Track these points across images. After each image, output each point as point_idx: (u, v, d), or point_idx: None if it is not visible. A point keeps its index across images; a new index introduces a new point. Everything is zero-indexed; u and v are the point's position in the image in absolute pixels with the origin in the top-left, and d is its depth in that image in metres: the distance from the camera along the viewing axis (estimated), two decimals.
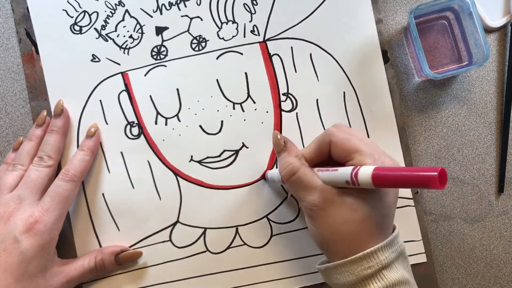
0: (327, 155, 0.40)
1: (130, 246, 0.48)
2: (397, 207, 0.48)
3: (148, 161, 0.48)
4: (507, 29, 0.50)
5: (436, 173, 0.28)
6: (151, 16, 0.49)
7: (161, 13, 0.49)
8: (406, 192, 0.48)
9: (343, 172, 0.36)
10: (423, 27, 0.50)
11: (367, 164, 0.36)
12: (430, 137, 0.50)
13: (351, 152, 0.37)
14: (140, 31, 0.49)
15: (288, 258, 0.48)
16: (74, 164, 0.45)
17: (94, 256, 0.45)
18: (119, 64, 0.48)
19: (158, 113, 0.48)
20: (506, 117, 0.50)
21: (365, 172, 0.34)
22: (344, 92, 0.49)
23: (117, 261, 0.46)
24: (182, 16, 0.49)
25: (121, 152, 0.48)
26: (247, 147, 0.48)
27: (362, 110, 0.49)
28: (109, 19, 0.49)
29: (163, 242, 0.48)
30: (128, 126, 0.48)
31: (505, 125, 0.50)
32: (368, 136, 0.49)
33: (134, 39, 0.49)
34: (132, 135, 0.48)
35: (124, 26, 0.49)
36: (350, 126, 0.49)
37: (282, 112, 0.49)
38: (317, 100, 0.49)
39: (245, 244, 0.48)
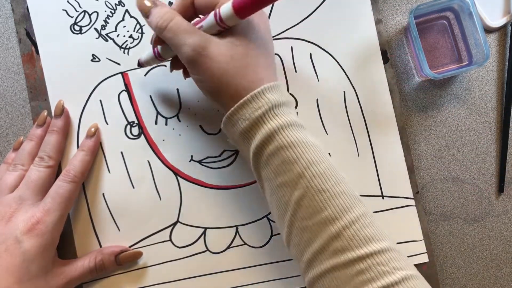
0: (193, 11, 0.40)
1: (130, 246, 0.48)
2: (398, 207, 0.48)
3: (148, 161, 0.48)
4: (507, 29, 0.50)
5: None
6: None
7: None
8: (407, 192, 0.48)
9: (209, 17, 0.37)
10: (423, 27, 0.50)
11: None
12: (430, 137, 0.50)
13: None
14: (140, 31, 0.49)
15: (288, 258, 0.48)
16: (75, 165, 0.45)
17: (94, 257, 0.45)
18: (119, 64, 0.48)
19: (158, 113, 0.48)
20: (506, 117, 0.50)
21: (226, 6, 0.36)
22: (344, 92, 0.49)
23: (117, 262, 0.46)
24: None
25: (121, 152, 0.48)
26: None
27: (363, 109, 0.49)
28: (109, 19, 0.49)
29: (163, 242, 0.48)
30: (128, 126, 0.48)
31: (505, 125, 0.50)
32: (369, 135, 0.49)
33: (134, 39, 0.49)
34: (132, 135, 0.48)
35: (124, 26, 0.49)
36: (351, 126, 0.49)
37: None
38: (317, 100, 0.49)
39: (245, 244, 0.48)
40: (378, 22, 0.49)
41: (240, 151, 0.40)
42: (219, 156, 0.48)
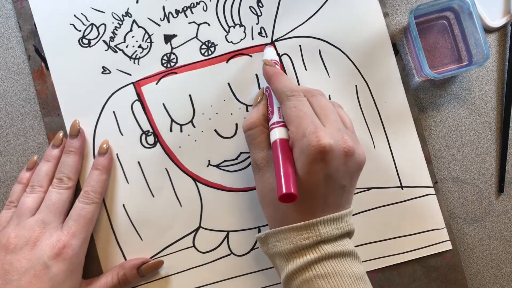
0: None
1: (154, 255, 0.47)
2: (418, 197, 0.48)
3: (166, 169, 0.48)
4: (507, 29, 0.51)
5: (281, 193, 0.35)
6: (159, 25, 0.49)
7: (168, 21, 0.49)
8: (426, 181, 0.48)
9: (272, 133, 0.41)
10: (423, 27, 0.50)
11: (291, 136, 0.39)
12: (430, 137, 0.50)
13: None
14: (148, 40, 0.49)
15: None
16: (93, 186, 0.45)
17: (116, 273, 0.45)
18: (130, 74, 0.48)
19: (172, 120, 0.48)
20: (506, 117, 0.50)
21: (272, 137, 0.40)
22: (356, 86, 0.49)
23: (140, 274, 0.46)
24: (189, 23, 0.49)
25: (138, 162, 0.48)
26: None
27: (376, 102, 0.49)
28: (117, 30, 0.49)
29: (186, 248, 0.48)
30: (144, 136, 0.48)
31: (505, 125, 0.50)
32: (384, 128, 0.49)
33: (143, 49, 0.49)
34: (148, 144, 0.48)
35: (132, 36, 0.49)
36: (365, 119, 0.49)
37: None
38: (329, 95, 0.49)
39: None
40: (385, 15, 0.49)
41: (270, 259, 0.41)
42: (236, 159, 0.48)
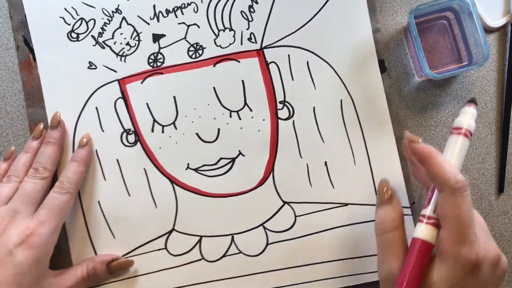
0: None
1: (126, 254, 0.47)
2: None
3: (144, 169, 0.48)
4: (507, 29, 0.50)
5: None
6: (148, 24, 0.49)
7: (158, 21, 0.49)
8: (403, 201, 0.48)
9: (419, 226, 0.37)
10: (423, 27, 0.50)
11: (443, 239, 0.35)
12: (430, 137, 0.50)
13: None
14: (137, 38, 0.49)
15: (284, 267, 0.48)
16: (69, 177, 0.45)
17: (86, 265, 0.45)
18: (115, 71, 0.48)
19: (154, 120, 0.48)
20: (506, 117, 0.50)
21: (417, 232, 0.36)
22: (341, 100, 0.49)
23: (109, 270, 0.46)
24: (179, 24, 0.49)
25: (117, 160, 0.48)
26: (244, 155, 0.48)
27: (360, 118, 0.49)
28: (106, 26, 0.49)
29: (158, 250, 0.48)
30: (125, 134, 0.48)
31: (505, 125, 0.50)
32: (365, 144, 0.48)
33: (131, 46, 0.49)
34: (129, 142, 0.48)
35: (121, 33, 0.49)
36: (347, 135, 0.48)
37: (279, 120, 0.49)
38: (314, 108, 0.49)
39: (240, 252, 0.48)
40: (376, 31, 0.49)
41: None
42: (216, 164, 0.48)
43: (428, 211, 0.37)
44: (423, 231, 0.36)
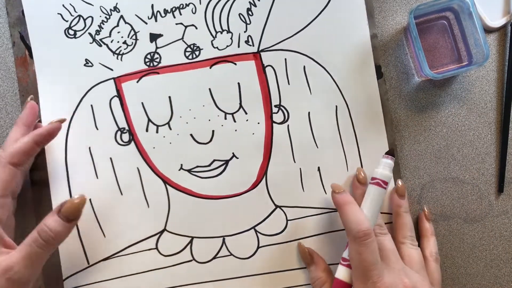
0: None
1: (116, 253, 0.47)
2: (388, 223, 0.48)
3: (137, 168, 0.48)
4: (507, 29, 0.50)
5: None
6: (146, 23, 0.49)
7: (156, 20, 0.49)
8: (389, 209, 0.48)
9: (338, 269, 0.43)
10: (423, 27, 0.50)
11: (354, 281, 0.41)
12: (430, 137, 0.50)
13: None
14: (134, 37, 0.49)
15: (275, 270, 0.48)
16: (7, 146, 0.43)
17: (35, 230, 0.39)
18: (112, 69, 0.48)
19: (149, 120, 0.48)
20: (506, 117, 0.50)
21: (336, 273, 0.43)
22: (336, 106, 0.49)
23: (63, 218, 0.39)
24: (176, 24, 0.49)
25: (111, 158, 0.48)
26: (237, 158, 0.48)
27: (354, 125, 0.49)
28: (103, 24, 0.49)
29: (149, 249, 0.48)
30: (119, 132, 0.48)
31: (505, 125, 0.50)
32: (359, 151, 0.48)
33: (128, 45, 0.49)
34: (123, 141, 0.48)
35: (118, 32, 0.49)
36: (341, 140, 0.49)
37: (274, 124, 0.49)
38: (309, 113, 0.49)
39: (231, 254, 0.48)
40: (373, 36, 0.49)
41: None
42: (209, 165, 0.48)
43: (345, 254, 0.43)
44: (340, 272, 0.43)
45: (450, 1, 0.47)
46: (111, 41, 0.48)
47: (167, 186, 0.48)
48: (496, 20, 0.50)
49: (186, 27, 0.49)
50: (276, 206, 0.48)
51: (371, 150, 0.49)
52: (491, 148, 0.50)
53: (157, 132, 0.48)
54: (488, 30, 0.50)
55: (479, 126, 0.50)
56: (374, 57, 0.49)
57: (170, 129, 0.48)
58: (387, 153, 0.46)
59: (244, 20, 0.49)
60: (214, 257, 0.48)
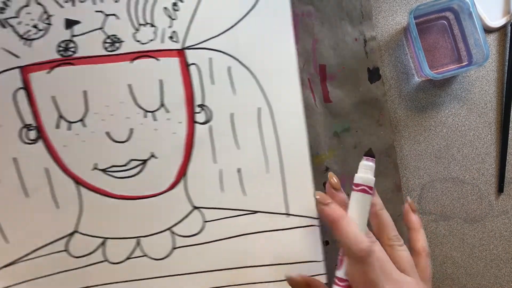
0: None
1: (22, 257, 0.44)
2: (301, 226, 0.50)
3: (45, 169, 0.45)
4: (507, 29, 0.51)
5: None
6: (62, 6, 0.44)
7: (73, 5, 0.44)
8: (313, 212, 0.50)
9: None
10: (423, 27, 0.50)
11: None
12: (430, 137, 0.51)
13: None
14: (47, 21, 0.44)
15: (191, 271, 0.48)
16: None
17: None
18: (18, 56, 0.44)
19: (60, 116, 0.45)
20: (506, 117, 0.51)
21: None
22: (259, 109, 0.49)
23: None
24: (96, 11, 0.45)
25: (14, 158, 0.44)
26: (156, 158, 0.47)
27: (276, 129, 0.49)
28: (9, 1, 0.43)
29: (58, 252, 0.45)
30: (24, 129, 0.44)
31: (505, 125, 0.51)
32: (280, 156, 0.49)
33: (39, 30, 0.44)
34: (29, 139, 0.44)
35: (28, 13, 0.44)
36: (263, 143, 0.49)
37: (196, 124, 0.48)
38: (232, 114, 0.48)
39: (145, 255, 0.47)
40: (371, 39, 0.49)
41: None
42: (125, 165, 0.46)
43: (341, 273, 0.39)
44: None
45: (450, 1, 0.47)
46: (19, 23, 0.44)
47: (79, 186, 0.45)
48: (496, 20, 0.51)
49: (107, 16, 0.45)
50: (194, 207, 0.48)
51: (292, 154, 0.49)
52: (491, 148, 0.51)
53: (69, 129, 0.45)
54: (488, 30, 0.51)
55: (479, 126, 0.51)
56: (373, 59, 0.49)
57: (84, 126, 0.45)
58: (366, 154, 0.41)
59: (169, 15, 0.46)
60: (128, 258, 0.47)
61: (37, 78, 0.44)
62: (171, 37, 0.46)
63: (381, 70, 0.50)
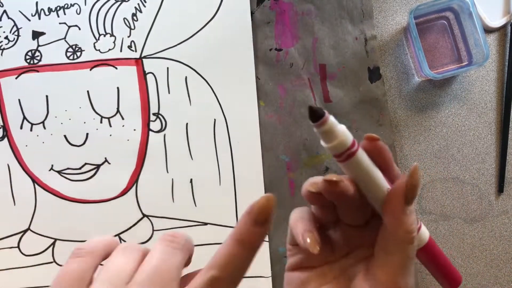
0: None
1: None
2: None
3: (8, 165, 0.48)
4: (507, 29, 0.50)
5: None
6: (29, 20, 0.48)
7: (39, 18, 0.48)
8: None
9: None
10: (423, 27, 0.50)
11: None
12: (430, 137, 0.50)
13: None
14: (16, 33, 0.48)
15: None
16: None
17: None
18: None
19: (24, 117, 0.48)
20: (506, 117, 0.50)
21: None
22: (214, 120, 0.48)
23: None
24: (60, 23, 0.48)
25: None
26: (109, 163, 0.48)
27: (231, 140, 0.48)
28: None
29: (10, 248, 0.48)
30: None
31: (505, 125, 0.50)
32: (233, 166, 0.48)
33: (9, 41, 0.48)
34: None
35: (0, 26, 0.48)
36: (217, 154, 0.48)
37: (150, 132, 0.48)
38: (187, 124, 0.48)
39: None
40: (372, 38, 0.48)
41: None
42: (80, 168, 0.48)
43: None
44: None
45: (450, 1, 0.47)
46: None
47: (36, 185, 0.48)
48: (496, 20, 0.49)
49: (69, 27, 0.48)
50: (144, 215, 0.48)
51: (245, 166, 0.48)
52: (491, 148, 0.50)
53: (31, 130, 0.48)
54: (488, 30, 0.50)
55: (479, 126, 0.50)
56: (372, 59, 0.48)
57: (45, 128, 0.48)
58: (313, 117, 0.23)
59: (128, 25, 0.48)
60: None
61: (6, 83, 0.48)
62: (129, 46, 0.48)
63: (381, 70, 0.49)
